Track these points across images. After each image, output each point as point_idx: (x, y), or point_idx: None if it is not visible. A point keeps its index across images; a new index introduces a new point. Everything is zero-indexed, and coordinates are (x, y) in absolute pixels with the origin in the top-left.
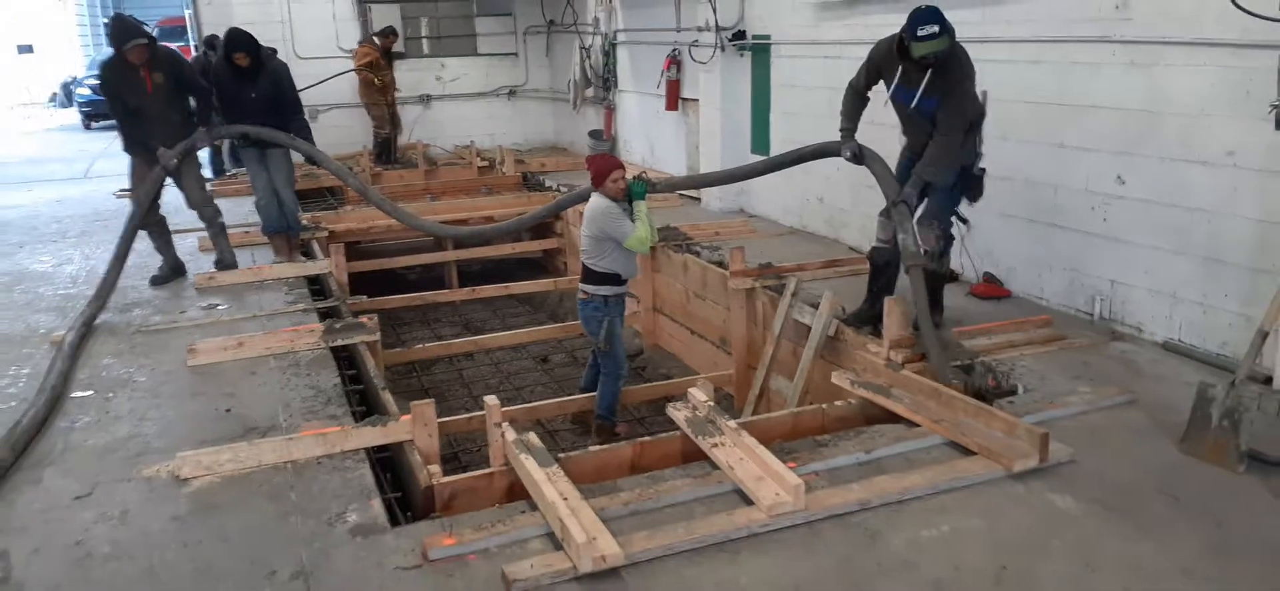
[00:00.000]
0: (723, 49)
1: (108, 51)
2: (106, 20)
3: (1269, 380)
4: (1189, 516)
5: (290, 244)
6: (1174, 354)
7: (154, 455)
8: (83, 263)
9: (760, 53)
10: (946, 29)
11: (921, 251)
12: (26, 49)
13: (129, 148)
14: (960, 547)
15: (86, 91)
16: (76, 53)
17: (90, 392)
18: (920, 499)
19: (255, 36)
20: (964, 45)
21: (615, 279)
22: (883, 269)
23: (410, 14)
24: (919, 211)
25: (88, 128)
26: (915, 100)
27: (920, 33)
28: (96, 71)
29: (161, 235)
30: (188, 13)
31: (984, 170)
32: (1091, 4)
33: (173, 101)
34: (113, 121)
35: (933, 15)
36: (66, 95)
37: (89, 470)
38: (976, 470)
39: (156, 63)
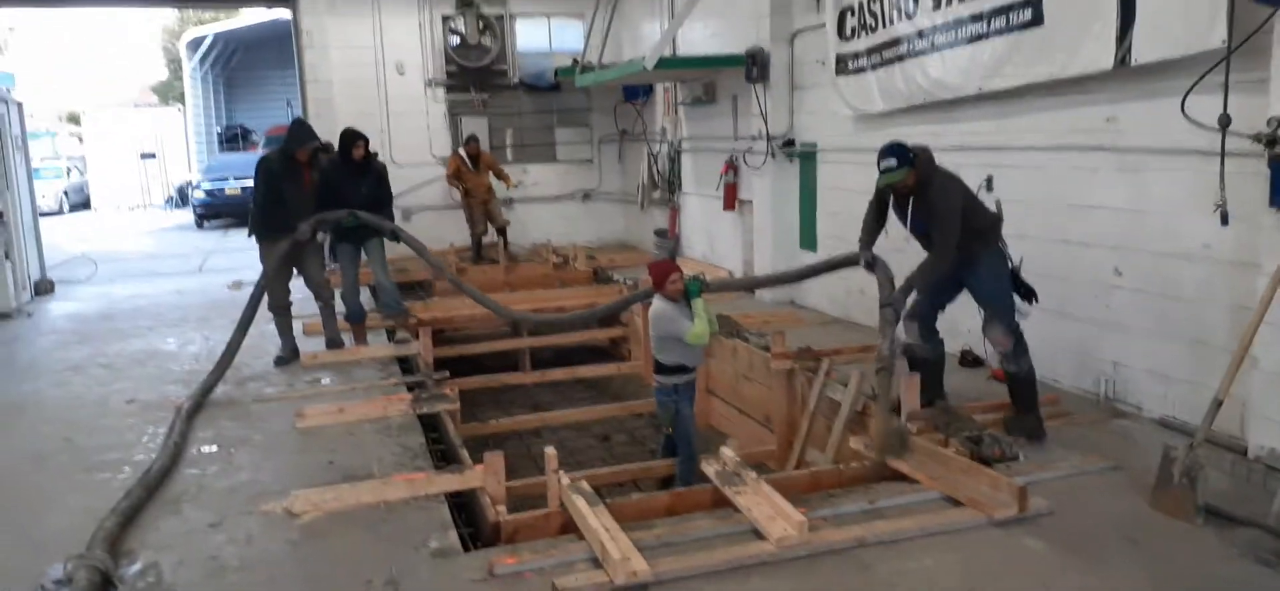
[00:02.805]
0: (774, 155)
1: (218, 157)
2: (290, 120)
3: (1245, 449)
4: (1143, 558)
5: (397, 322)
6: (1167, 429)
7: (270, 495)
8: (203, 343)
9: (807, 159)
10: (905, 162)
11: (1000, 356)
12: (150, 155)
13: (265, 233)
14: (938, 576)
15: (202, 194)
16: (191, 159)
17: (216, 448)
18: (911, 539)
19: None
20: (950, 165)
21: (682, 369)
22: (922, 364)
23: (497, 125)
24: (983, 322)
25: (200, 227)
26: (909, 223)
27: (881, 166)
28: (215, 172)
29: (286, 320)
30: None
31: (1017, 268)
32: (1086, 116)
33: (314, 202)
34: (222, 221)
35: (892, 150)
36: (181, 197)
37: (218, 505)
38: (963, 518)
39: (315, 164)
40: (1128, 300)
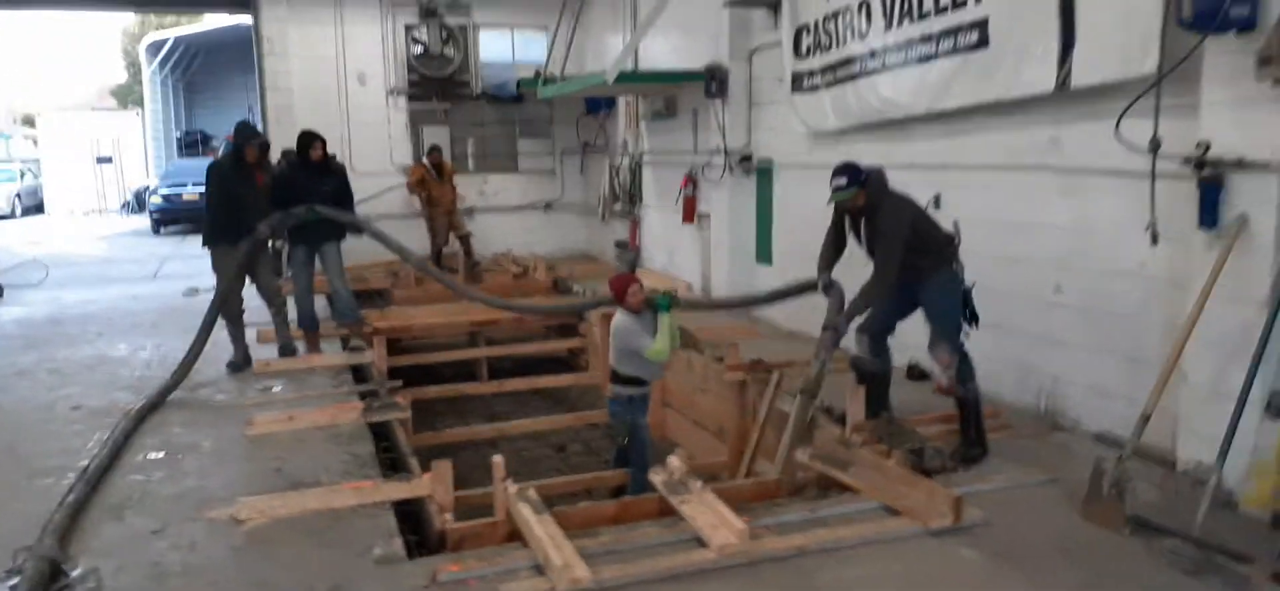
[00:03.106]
0: (732, 170)
1: (176, 163)
2: (237, 125)
3: (1175, 463)
4: (1072, 565)
5: (352, 330)
6: (1105, 443)
7: (216, 502)
8: (154, 350)
9: (764, 174)
10: (856, 181)
11: (944, 375)
12: (106, 160)
13: (217, 239)
14: (875, 584)
15: (159, 200)
16: (149, 164)
17: (163, 454)
18: (851, 547)
19: None
20: (901, 183)
21: (638, 381)
22: (869, 377)
23: (459, 134)
24: (929, 339)
25: (157, 232)
26: (864, 243)
27: (833, 183)
28: (173, 177)
29: (238, 326)
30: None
31: (968, 291)
32: (1030, 137)
33: (267, 203)
34: (179, 227)
35: (843, 169)
36: (138, 203)
37: (163, 512)
38: (901, 527)
39: (264, 166)
40: (1068, 317)
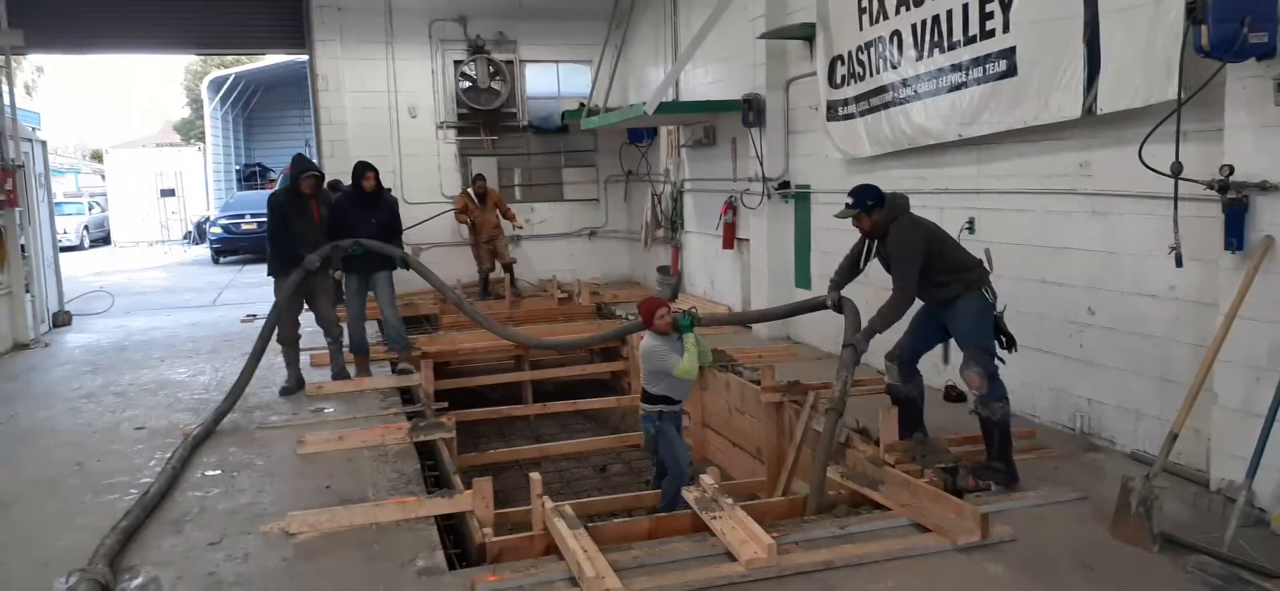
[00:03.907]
0: (770, 196)
1: (236, 195)
2: (294, 157)
3: (1208, 483)
4: (1096, 582)
5: (401, 356)
6: (1139, 463)
7: (269, 517)
8: (213, 374)
9: (801, 200)
10: (861, 204)
11: (975, 398)
12: (169, 192)
13: (280, 270)
14: None
15: (218, 231)
16: (210, 196)
17: (219, 471)
18: (878, 562)
19: None
20: (934, 208)
21: (667, 400)
22: (902, 403)
23: (506, 165)
24: (961, 364)
25: (216, 262)
26: (885, 265)
27: (846, 202)
28: (232, 209)
29: (293, 350)
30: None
31: (1000, 314)
32: (1061, 162)
33: (324, 234)
34: (238, 257)
35: (855, 190)
36: (199, 233)
37: (219, 525)
38: (929, 543)
39: (321, 198)
40: (1100, 338)
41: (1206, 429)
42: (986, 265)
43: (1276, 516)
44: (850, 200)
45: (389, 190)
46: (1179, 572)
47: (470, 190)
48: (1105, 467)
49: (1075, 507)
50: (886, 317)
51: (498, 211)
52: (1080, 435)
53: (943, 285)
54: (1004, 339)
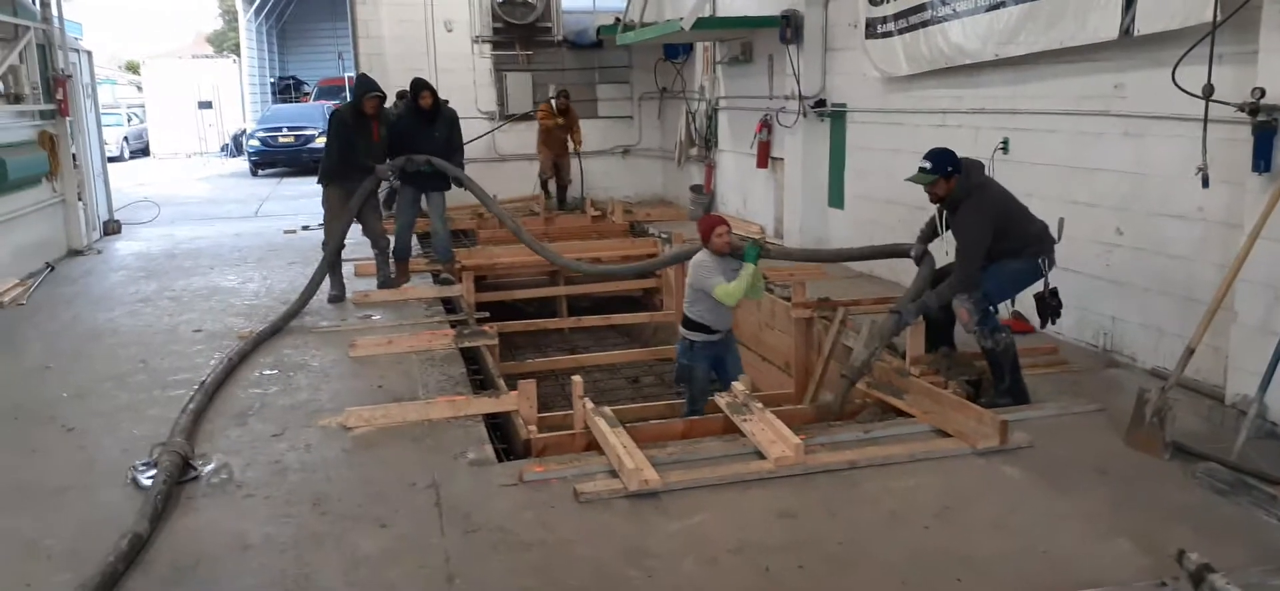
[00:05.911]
0: (805, 115)
1: (272, 108)
2: (357, 74)
3: (1223, 397)
4: (1108, 485)
5: (445, 267)
6: (1158, 378)
7: (327, 412)
8: (262, 282)
9: (837, 119)
10: (939, 170)
11: (968, 331)
12: (206, 105)
13: (330, 179)
14: (918, 494)
15: (256, 143)
16: (246, 109)
17: (276, 371)
18: (898, 463)
19: None
20: (969, 127)
21: (706, 328)
22: (932, 321)
23: (540, 81)
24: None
25: (255, 174)
26: (954, 232)
27: (923, 165)
28: (269, 121)
29: (338, 261)
30: (347, 75)
31: (1054, 290)
32: (1095, 84)
33: (383, 151)
34: (276, 170)
35: (932, 153)
36: (236, 146)
37: (279, 419)
38: (949, 447)
39: (382, 118)
40: (1127, 258)
41: (1225, 346)
42: (1056, 234)
43: None
44: (927, 164)
45: (447, 102)
46: (1187, 478)
47: (553, 102)
48: (1124, 382)
49: (1092, 418)
50: (943, 296)
51: (574, 130)
52: (1102, 352)
53: (1001, 255)
54: (1050, 309)
